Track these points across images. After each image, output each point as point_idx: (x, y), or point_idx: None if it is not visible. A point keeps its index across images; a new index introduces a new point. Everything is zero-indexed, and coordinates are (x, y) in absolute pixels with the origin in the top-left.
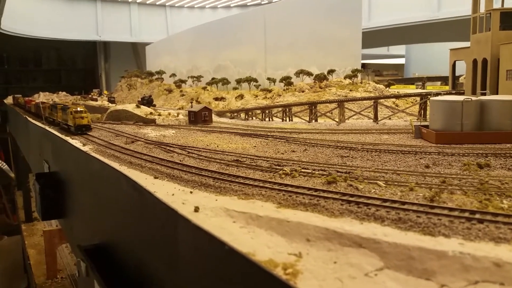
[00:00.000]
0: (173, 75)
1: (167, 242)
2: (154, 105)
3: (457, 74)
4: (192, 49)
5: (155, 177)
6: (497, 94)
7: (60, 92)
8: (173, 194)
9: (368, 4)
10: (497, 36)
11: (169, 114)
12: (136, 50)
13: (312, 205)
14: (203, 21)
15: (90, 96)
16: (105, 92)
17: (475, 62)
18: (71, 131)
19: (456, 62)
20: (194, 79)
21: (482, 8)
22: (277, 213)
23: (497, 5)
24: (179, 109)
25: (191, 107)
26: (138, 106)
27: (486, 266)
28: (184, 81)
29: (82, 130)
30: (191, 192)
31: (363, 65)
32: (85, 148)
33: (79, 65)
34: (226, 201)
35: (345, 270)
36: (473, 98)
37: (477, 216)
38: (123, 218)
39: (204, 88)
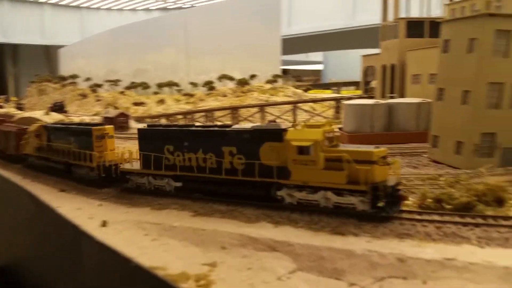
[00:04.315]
0: (88, 79)
1: (71, 260)
2: (66, 111)
3: (369, 79)
4: (109, 52)
5: (62, 190)
6: (403, 97)
7: None
8: (79, 208)
9: (288, 12)
10: (404, 43)
11: (83, 120)
12: (48, 54)
13: (229, 211)
14: (122, 24)
15: None
16: (12, 98)
17: (384, 67)
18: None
19: (368, 67)
20: (111, 83)
21: (391, 17)
22: (192, 222)
23: (404, 14)
24: (94, 115)
25: (106, 112)
26: (47, 113)
27: (391, 262)
28: (100, 85)
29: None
30: (100, 205)
31: (285, 71)
32: None
33: None
34: (138, 213)
35: (258, 276)
36: (382, 101)
37: (384, 214)
38: (25, 236)
39: (122, 93)
